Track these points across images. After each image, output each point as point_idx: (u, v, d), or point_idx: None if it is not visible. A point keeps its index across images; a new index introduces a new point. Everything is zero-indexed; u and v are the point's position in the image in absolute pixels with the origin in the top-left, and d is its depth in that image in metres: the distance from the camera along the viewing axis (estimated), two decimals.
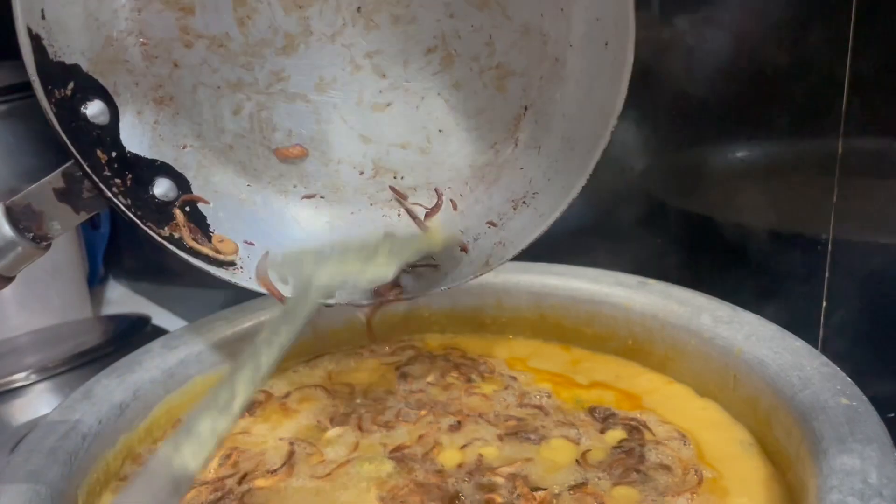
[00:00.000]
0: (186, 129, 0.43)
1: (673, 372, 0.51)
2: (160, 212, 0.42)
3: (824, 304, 0.54)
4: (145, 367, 0.48)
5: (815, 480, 0.35)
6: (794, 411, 0.39)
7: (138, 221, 0.41)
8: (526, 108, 0.44)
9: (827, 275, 0.54)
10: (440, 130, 0.45)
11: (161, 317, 1.21)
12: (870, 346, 0.53)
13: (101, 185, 0.38)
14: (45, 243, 0.37)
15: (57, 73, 0.37)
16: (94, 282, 1.40)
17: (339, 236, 0.46)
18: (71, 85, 0.37)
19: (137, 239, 1.57)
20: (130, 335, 1.07)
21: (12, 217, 0.36)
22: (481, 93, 0.45)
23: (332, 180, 0.47)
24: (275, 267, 0.44)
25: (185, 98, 0.42)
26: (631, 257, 0.60)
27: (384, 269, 0.41)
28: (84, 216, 0.38)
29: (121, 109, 0.40)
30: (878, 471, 0.33)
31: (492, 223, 0.45)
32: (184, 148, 0.43)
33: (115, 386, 0.46)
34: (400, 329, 0.60)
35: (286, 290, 0.44)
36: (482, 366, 0.54)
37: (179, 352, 0.50)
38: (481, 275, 0.45)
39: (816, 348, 0.43)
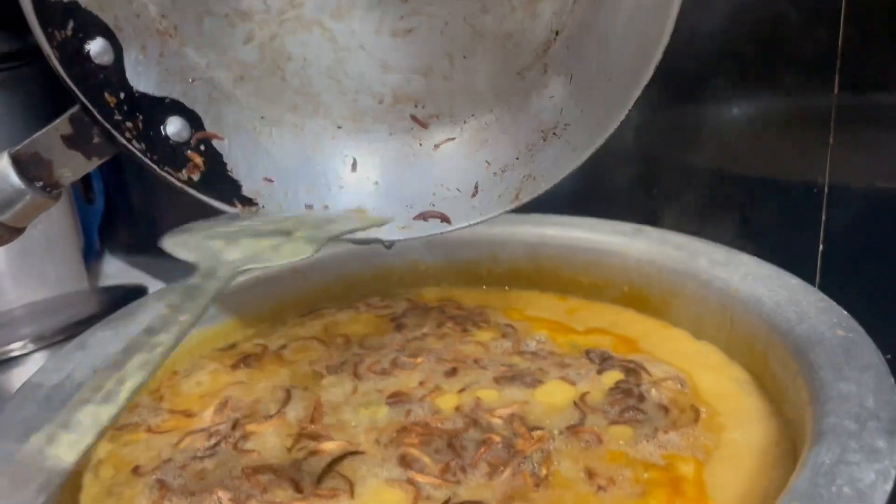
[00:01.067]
0: (194, 62, 0.41)
1: (670, 317, 0.51)
2: (175, 154, 0.41)
3: (821, 247, 0.54)
4: (139, 320, 0.48)
5: (811, 408, 0.34)
6: (791, 345, 0.39)
7: (155, 167, 0.40)
8: (557, 33, 0.42)
9: (824, 219, 0.54)
10: (465, 57, 0.43)
11: (157, 289, 1.21)
12: (867, 288, 0.52)
13: (113, 132, 0.37)
14: (55, 192, 0.36)
15: (55, 12, 0.36)
16: (91, 256, 1.39)
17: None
18: (71, 24, 0.36)
19: (132, 213, 1.57)
20: (128, 304, 1.07)
21: (20, 166, 0.36)
22: (509, 17, 0.42)
23: (351, 110, 0.45)
24: (178, 245, 0.40)
25: (190, 29, 0.41)
26: (628, 209, 0.60)
27: (302, 248, 0.39)
28: (96, 161, 0.37)
29: (124, 46, 0.39)
30: (874, 395, 0.33)
31: (520, 155, 0.44)
32: (192, 81, 0.42)
33: (109, 338, 0.46)
34: (395, 283, 0.59)
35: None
36: (478, 316, 0.54)
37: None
38: (512, 209, 0.44)
39: None
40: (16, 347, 0.96)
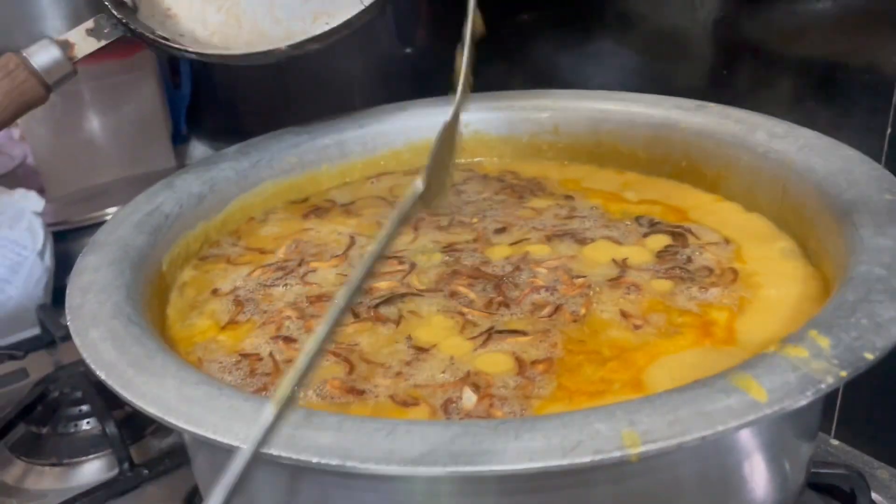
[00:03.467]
0: None
1: (724, 191, 0.51)
2: None
3: (889, 131, 0.53)
4: (221, 167, 0.52)
5: (848, 260, 0.36)
6: (838, 209, 0.40)
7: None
8: None
9: (895, 103, 0.53)
10: None
11: None
12: None
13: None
14: (74, 62, 0.51)
15: None
16: (178, 140, 1.46)
17: None
18: None
19: (217, 100, 1.62)
20: None
21: (61, 46, 0.51)
22: None
23: None
24: None
25: None
26: (695, 87, 0.60)
27: None
28: (103, 42, 0.52)
29: None
30: None
31: None
32: None
33: (193, 179, 0.50)
34: (458, 153, 0.61)
35: None
36: (535, 185, 0.56)
37: (252, 156, 0.54)
38: None
39: None
40: (111, 212, 1.04)
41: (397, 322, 0.41)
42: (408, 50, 0.97)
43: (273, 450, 0.26)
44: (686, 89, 0.58)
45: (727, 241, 0.46)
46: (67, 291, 0.37)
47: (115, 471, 0.61)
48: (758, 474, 0.34)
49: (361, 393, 0.36)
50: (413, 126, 0.60)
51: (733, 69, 0.63)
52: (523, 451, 0.25)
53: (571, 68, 0.70)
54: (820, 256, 0.42)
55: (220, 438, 0.27)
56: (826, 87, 0.58)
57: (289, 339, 0.40)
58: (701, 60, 0.64)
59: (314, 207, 0.55)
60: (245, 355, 0.39)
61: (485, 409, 0.34)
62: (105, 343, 0.33)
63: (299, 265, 0.47)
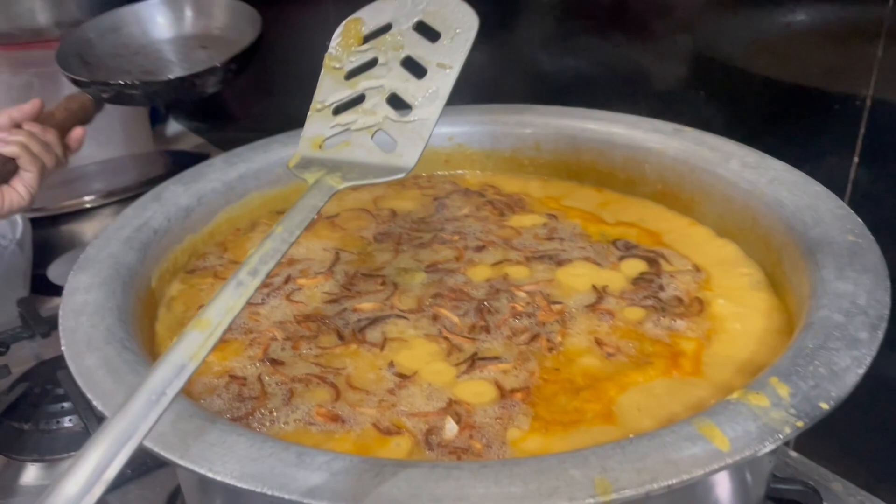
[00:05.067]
0: None
1: (697, 215, 0.53)
2: None
3: (855, 160, 0.55)
4: (208, 178, 0.53)
5: (809, 302, 0.38)
6: (803, 246, 0.42)
7: None
8: None
9: (862, 132, 0.55)
10: None
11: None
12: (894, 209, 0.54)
13: None
14: None
15: None
16: (157, 120, 1.45)
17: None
18: None
19: None
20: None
21: None
22: None
23: None
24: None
25: None
26: (672, 109, 0.62)
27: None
28: None
29: None
30: (868, 295, 0.36)
31: None
32: None
33: (181, 192, 0.51)
34: (441, 164, 0.63)
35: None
36: (516, 202, 0.58)
37: (239, 167, 0.55)
38: None
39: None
40: (89, 200, 1.03)
41: (382, 346, 0.42)
42: None
43: (266, 489, 0.28)
44: (665, 111, 0.60)
45: (697, 268, 0.48)
46: (61, 313, 0.38)
47: None
48: (721, 489, 0.36)
49: (345, 421, 0.37)
50: None
51: (703, 88, 0.65)
52: (503, 496, 0.27)
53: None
54: (785, 289, 0.44)
55: (216, 477, 0.29)
56: (795, 110, 0.60)
57: (276, 362, 0.41)
58: (680, 76, 0.65)
59: None
60: (233, 377, 0.40)
61: (465, 440, 0.36)
62: (100, 371, 0.34)
63: (286, 282, 0.48)
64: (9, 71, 1.16)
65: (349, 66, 0.40)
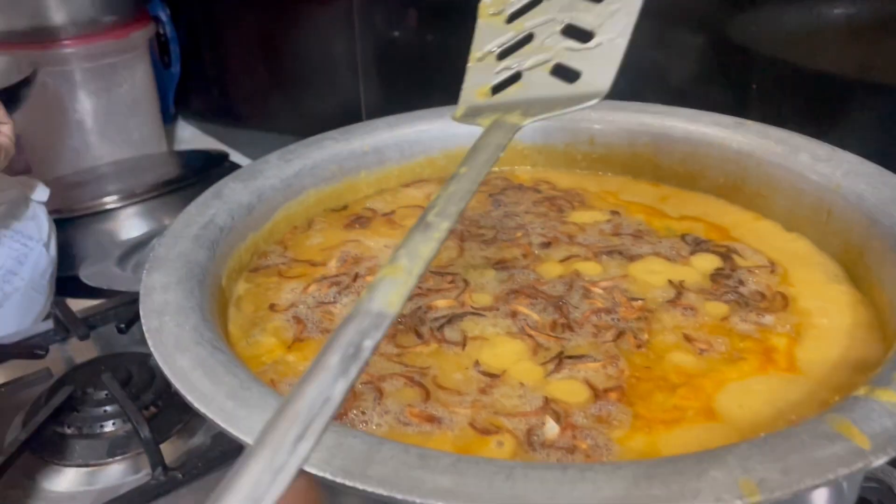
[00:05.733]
0: None
1: (763, 209, 0.53)
2: None
3: None
4: (266, 175, 0.52)
5: None
6: (892, 239, 0.41)
7: None
8: None
9: None
10: None
11: (231, 157, 1.25)
12: None
13: None
14: None
15: None
16: (166, 120, 1.44)
17: None
18: None
19: (206, 80, 1.60)
20: (209, 168, 1.12)
21: None
22: None
23: None
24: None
25: None
26: (722, 103, 0.61)
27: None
28: None
29: None
30: None
31: None
32: None
33: (241, 189, 0.50)
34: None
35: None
36: (574, 197, 0.57)
37: (294, 164, 0.53)
38: None
39: None
40: (109, 201, 1.02)
41: (463, 344, 0.41)
42: (396, 33, 0.96)
43: (395, 493, 0.27)
44: (713, 102, 0.59)
45: (773, 263, 0.47)
46: (142, 313, 0.37)
47: (143, 473, 0.61)
48: (819, 499, 0.35)
49: (440, 421, 0.36)
50: (450, 133, 0.60)
51: (754, 82, 0.65)
52: (645, 498, 0.26)
53: None
54: (870, 283, 0.43)
55: (337, 479, 0.27)
56: (842, 103, 0.59)
57: None
58: (730, 70, 0.65)
59: (356, 216, 0.55)
60: None
61: (568, 440, 0.35)
62: (196, 372, 0.33)
63: (354, 280, 0.47)
64: None
65: (510, 10, 0.36)
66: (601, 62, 0.33)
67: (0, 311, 0.83)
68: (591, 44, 0.34)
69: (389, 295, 0.25)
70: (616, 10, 0.33)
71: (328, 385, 0.22)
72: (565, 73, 0.33)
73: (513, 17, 0.36)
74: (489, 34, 0.36)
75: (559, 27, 0.35)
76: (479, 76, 0.35)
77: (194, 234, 0.44)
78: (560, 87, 0.34)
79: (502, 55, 0.35)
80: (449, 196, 0.29)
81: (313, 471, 0.27)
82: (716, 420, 0.36)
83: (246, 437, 0.30)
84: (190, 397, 0.32)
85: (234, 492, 0.20)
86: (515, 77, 0.35)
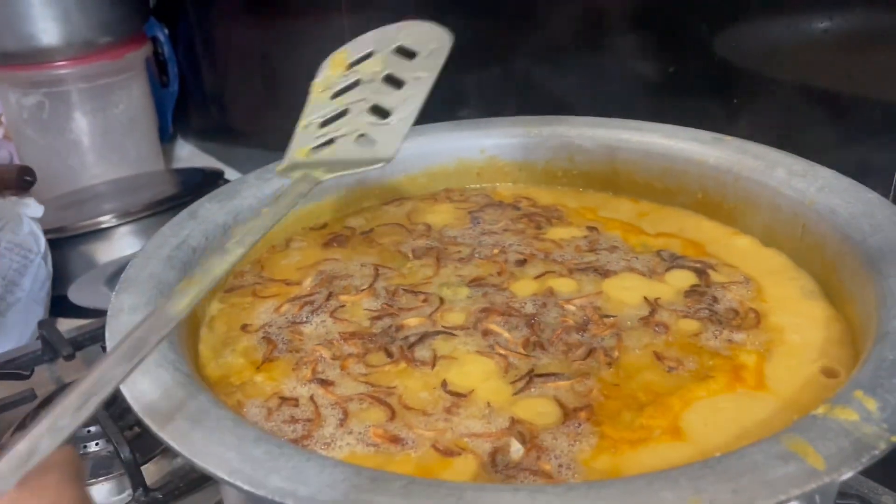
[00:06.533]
0: None
1: (740, 224, 0.52)
2: None
3: None
4: (243, 195, 0.52)
5: (878, 313, 0.37)
6: (863, 255, 0.41)
7: None
8: None
9: None
10: None
11: (229, 174, 1.26)
12: None
13: None
14: None
15: None
16: (164, 139, 1.45)
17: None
18: None
19: (204, 99, 1.60)
20: (206, 186, 1.12)
21: None
22: None
23: None
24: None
25: None
26: (706, 117, 0.61)
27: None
28: None
29: None
30: None
31: None
32: None
33: (217, 209, 0.50)
34: (474, 177, 0.62)
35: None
36: (552, 214, 0.57)
37: (273, 183, 0.53)
38: None
39: None
40: (104, 220, 1.02)
41: (432, 364, 0.41)
42: None
43: None
44: (697, 116, 0.59)
45: (747, 278, 0.47)
46: (107, 335, 0.37)
47: (125, 493, 0.61)
48: None
49: (404, 442, 0.36)
50: (430, 151, 0.60)
51: (735, 96, 0.64)
52: None
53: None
54: (843, 299, 0.43)
55: (287, 502, 0.27)
56: (833, 117, 0.59)
57: (326, 382, 0.40)
58: (713, 85, 0.65)
59: (334, 235, 0.55)
60: (284, 399, 0.39)
61: (533, 461, 0.34)
62: (155, 394, 0.33)
63: (327, 299, 0.47)
64: (20, 91, 1.16)
65: (334, 89, 0.44)
66: (391, 136, 0.42)
67: (2, 321, 0.84)
68: (388, 120, 0.42)
69: (180, 303, 0.31)
70: (409, 96, 0.42)
71: (111, 368, 0.28)
72: (366, 142, 0.42)
73: (336, 95, 0.44)
74: (316, 107, 0.44)
75: (368, 106, 0.43)
76: (303, 139, 0.43)
77: (167, 254, 0.45)
78: (359, 152, 0.42)
79: (323, 124, 0.44)
80: (248, 229, 0.35)
81: (263, 493, 0.27)
82: (681, 439, 0.36)
83: (200, 461, 0.30)
84: (147, 420, 0.32)
85: (17, 445, 0.25)
86: (330, 142, 0.43)
